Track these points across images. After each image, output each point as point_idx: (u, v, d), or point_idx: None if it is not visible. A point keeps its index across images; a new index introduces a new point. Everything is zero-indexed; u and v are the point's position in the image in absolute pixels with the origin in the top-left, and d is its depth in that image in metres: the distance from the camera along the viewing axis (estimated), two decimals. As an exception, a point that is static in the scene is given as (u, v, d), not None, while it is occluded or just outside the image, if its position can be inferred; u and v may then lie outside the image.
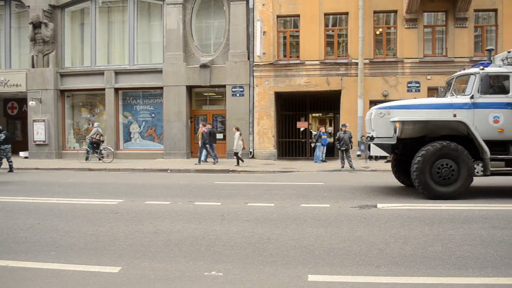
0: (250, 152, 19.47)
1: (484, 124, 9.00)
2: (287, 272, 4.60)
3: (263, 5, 19.29)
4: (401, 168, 10.84)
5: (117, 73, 21.07)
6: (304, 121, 21.50)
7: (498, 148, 9.12)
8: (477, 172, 9.06)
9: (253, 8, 19.37)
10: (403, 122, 8.99)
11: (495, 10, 18.36)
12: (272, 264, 4.86)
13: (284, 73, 19.31)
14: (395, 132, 9.15)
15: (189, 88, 20.57)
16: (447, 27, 18.49)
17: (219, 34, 20.53)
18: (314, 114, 26.88)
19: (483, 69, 9.16)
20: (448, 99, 9.40)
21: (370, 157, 9.78)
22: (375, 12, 18.81)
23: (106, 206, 8.38)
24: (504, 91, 9.07)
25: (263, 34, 19.04)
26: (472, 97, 9.05)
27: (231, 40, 19.80)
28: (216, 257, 5.14)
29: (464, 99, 9.15)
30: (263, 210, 7.87)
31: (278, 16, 19.44)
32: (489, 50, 10.21)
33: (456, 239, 5.85)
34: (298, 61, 19.24)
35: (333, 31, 19.49)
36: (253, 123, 19.57)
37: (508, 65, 9.34)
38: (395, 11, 18.71)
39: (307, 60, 19.08)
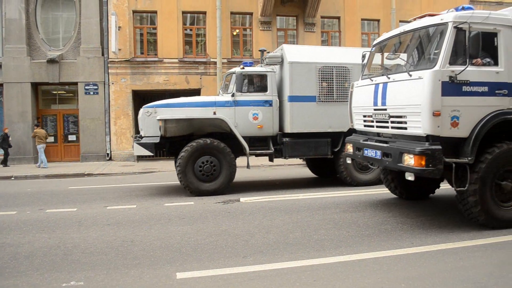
0: (108, 154, 18.42)
1: (245, 121, 9.44)
2: (154, 273, 4.45)
3: (118, -1, 18.39)
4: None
5: None
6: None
7: (260, 143, 9.73)
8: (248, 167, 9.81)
9: (107, 1, 18.30)
10: (165, 121, 8.97)
11: (338, 18, 20.40)
12: (137, 267, 4.66)
13: (142, 70, 18.68)
14: (160, 130, 9.15)
15: (35, 85, 18.52)
16: (298, 31, 19.94)
17: (69, 27, 18.88)
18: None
19: (243, 68, 9.63)
20: (212, 98, 9.81)
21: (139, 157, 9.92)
22: (232, 13, 19.35)
23: None
24: (264, 89, 9.63)
25: (118, 29, 18.14)
26: (233, 95, 9.41)
27: (83, 34, 18.39)
28: (75, 266, 4.74)
29: (226, 97, 9.54)
30: (125, 212, 7.51)
31: (134, 11, 18.72)
32: (262, 51, 10.81)
33: (314, 224, 6.35)
34: (156, 59, 18.79)
35: (191, 29, 19.50)
36: (109, 123, 18.51)
37: (267, 65, 9.99)
38: (251, 13, 19.51)
39: (165, 58, 18.74)
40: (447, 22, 5.60)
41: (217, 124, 9.32)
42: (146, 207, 7.95)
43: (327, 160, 10.22)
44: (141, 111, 9.49)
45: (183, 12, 19.03)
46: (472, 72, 5.58)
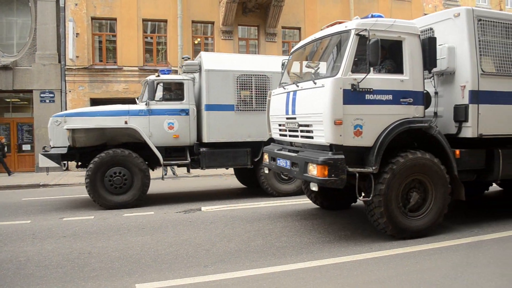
0: (64, 164, 17.78)
1: (160, 130, 9.09)
2: (112, 285, 4.34)
3: (76, 5, 17.93)
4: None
5: None
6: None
7: (177, 153, 9.41)
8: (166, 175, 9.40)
9: (64, 7, 17.82)
10: (73, 130, 8.56)
11: (299, 28, 20.75)
12: (95, 279, 4.53)
13: (100, 78, 18.25)
14: (68, 141, 8.72)
15: (-13, 93, 17.78)
16: (259, 40, 20.12)
17: (24, 33, 18.26)
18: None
19: (158, 76, 9.35)
20: (126, 106, 9.25)
21: (46, 169, 9.50)
22: (193, 21, 19.30)
23: None
24: (180, 98, 9.33)
25: (76, 36, 17.69)
26: (147, 104, 9.05)
27: (38, 40, 17.80)
28: (29, 280, 4.54)
29: (141, 106, 9.18)
30: (82, 223, 7.28)
31: (93, 18, 18.32)
32: (185, 58, 10.44)
33: (275, 232, 6.38)
34: (115, 67, 18.44)
35: (152, 37, 19.29)
36: (67, 132, 17.93)
37: (184, 73, 9.72)
38: (213, 22, 19.53)
39: (125, 66, 18.42)
40: (349, 30, 5.52)
41: (130, 133, 8.97)
42: (104, 217, 7.73)
43: (252, 170, 10.00)
44: (50, 120, 9.03)
45: (144, 20, 18.82)
46: (375, 80, 5.54)
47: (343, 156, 5.34)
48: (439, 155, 5.93)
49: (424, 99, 5.92)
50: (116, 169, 8.62)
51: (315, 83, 5.64)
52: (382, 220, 5.63)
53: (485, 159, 6.37)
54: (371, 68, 5.48)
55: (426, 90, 6.07)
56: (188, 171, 10.03)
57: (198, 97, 9.62)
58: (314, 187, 5.60)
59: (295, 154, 6.08)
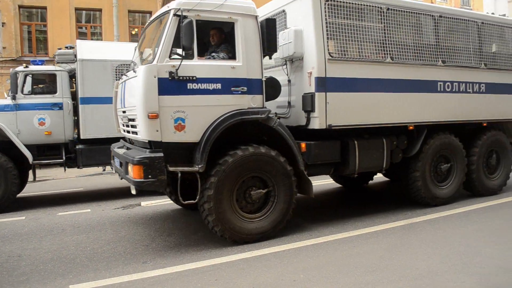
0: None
1: (29, 127, 8.16)
2: (43, 288, 4.10)
3: (0, -8, 16.81)
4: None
5: None
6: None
7: (52, 152, 8.52)
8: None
9: (-13, -6, 16.65)
10: None
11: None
12: (25, 283, 4.28)
13: (31, 71, 17.26)
14: None
15: None
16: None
17: None
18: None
19: (27, 67, 8.38)
20: None
21: None
22: (130, 11, 18.70)
23: None
24: (53, 91, 8.47)
25: (2, 26, 16.59)
26: (14, 98, 8.11)
27: (-42, 30, 16.54)
28: None
29: (7, 101, 8.28)
30: (12, 225, 6.85)
31: (20, 7, 17.23)
32: (67, 48, 9.27)
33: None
34: (47, 58, 17.41)
35: (86, 27, 18.47)
36: (-6, 128, 16.82)
37: (58, 63, 8.94)
38: (150, 12, 18.98)
39: (58, 58, 17.53)
40: (169, 10, 4.87)
41: None
42: (36, 218, 7.32)
43: None
44: None
45: (76, 9, 18.02)
46: (200, 67, 4.91)
47: (162, 154, 4.68)
48: (286, 149, 5.37)
49: (262, 87, 5.27)
50: None
51: (135, 72, 5.01)
52: (217, 228, 5.01)
53: (340, 152, 5.86)
54: (196, 54, 4.91)
55: (269, 77, 5.57)
56: (65, 170, 9.08)
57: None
58: (133, 191, 5.03)
59: (121, 153, 5.39)
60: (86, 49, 8.75)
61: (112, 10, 17.73)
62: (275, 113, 5.86)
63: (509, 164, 7.90)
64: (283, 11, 6.09)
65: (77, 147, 8.48)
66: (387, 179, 9.09)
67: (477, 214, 6.40)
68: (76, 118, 8.67)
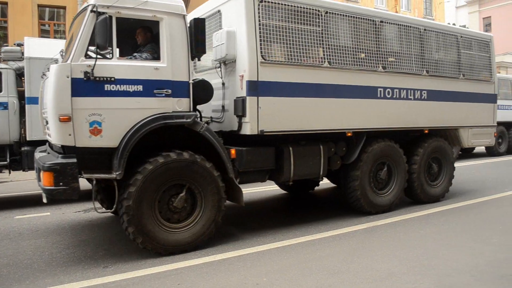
0: None
1: None
2: (-4, 295, 3.94)
3: (-43, -15, 16.13)
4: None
5: None
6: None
7: None
8: None
9: None
10: None
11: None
12: (-24, 290, 4.08)
13: (-11, 68, 16.60)
14: None
15: None
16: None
17: None
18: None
19: None
20: None
21: None
22: (95, 10, 18.27)
23: None
24: None
25: (-41, 21, 15.92)
26: None
27: None
28: None
29: None
30: (-36, 229, 6.55)
31: (-22, 1, 16.60)
32: (16, 44, 8.94)
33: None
34: (6, 56, 16.87)
35: (49, 25, 17.95)
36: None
37: (4, 61, 8.62)
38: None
39: (19, 55, 16.94)
40: (87, 6, 4.64)
41: None
42: (-8, 221, 7.04)
43: None
44: None
45: (39, 6, 17.47)
46: (120, 67, 4.65)
47: (74, 160, 4.40)
48: (216, 155, 5.17)
49: (189, 90, 5.03)
50: None
51: (48, 70, 4.74)
52: (138, 240, 4.75)
53: (274, 158, 5.69)
54: (116, 53, 4.77)
55: (200, 79, 5.42)
56: (9, 173, 8.68)
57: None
58: (44, 199, 4.66)
59: (37, 158, 5.08)
60: (34, 46, 8.33)
61: (77, 8, 17.30)
62: (210, 117, 5.77)
63: (451, 171, 7.92)
64: (219, 11, 5.92)
65: (22, 149, 8.07)
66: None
67: (436, 217, 6.60)
68: (24, 118, 8.22)
